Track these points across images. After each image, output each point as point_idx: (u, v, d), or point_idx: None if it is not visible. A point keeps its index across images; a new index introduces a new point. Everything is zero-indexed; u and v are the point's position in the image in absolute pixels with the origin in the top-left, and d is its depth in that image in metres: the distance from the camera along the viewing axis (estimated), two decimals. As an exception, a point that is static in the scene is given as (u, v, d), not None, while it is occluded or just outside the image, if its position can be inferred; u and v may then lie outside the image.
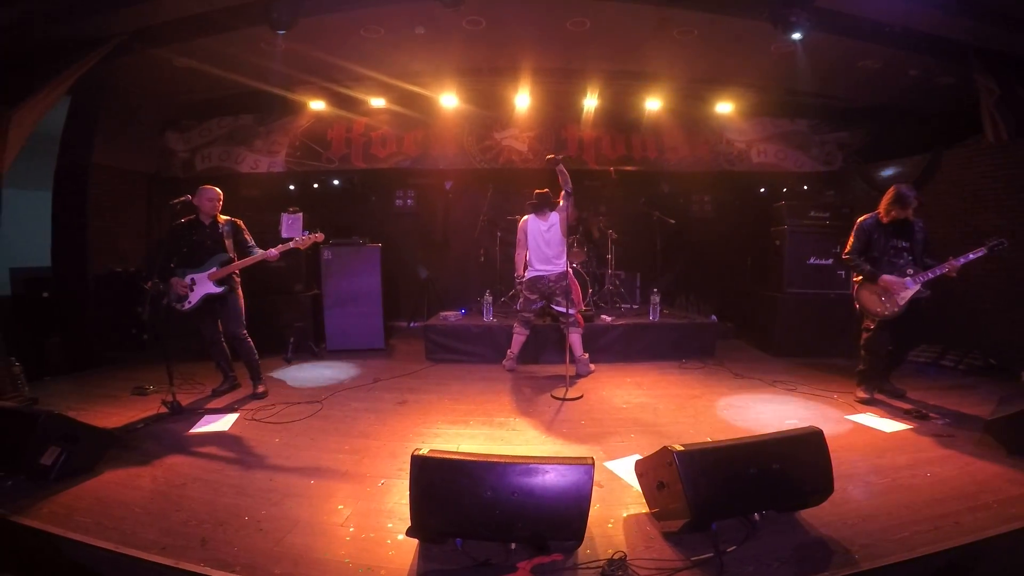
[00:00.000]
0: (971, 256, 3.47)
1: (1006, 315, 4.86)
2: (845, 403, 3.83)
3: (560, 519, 1.95)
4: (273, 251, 3.95)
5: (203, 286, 3.85)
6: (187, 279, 3.83)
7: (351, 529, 2.19)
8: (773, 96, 6.35)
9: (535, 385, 4.43)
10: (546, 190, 4.64)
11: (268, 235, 5.03)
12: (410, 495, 1.97)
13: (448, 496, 1.95)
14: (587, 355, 4.73)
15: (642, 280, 6.79)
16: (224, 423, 3.47)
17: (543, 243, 4.57)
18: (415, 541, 2.03)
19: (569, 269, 4.64)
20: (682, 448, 2.03)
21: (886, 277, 3.63)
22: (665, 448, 2.09)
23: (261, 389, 4.08)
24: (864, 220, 3.83)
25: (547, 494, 1.93)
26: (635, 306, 6.39)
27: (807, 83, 5.49)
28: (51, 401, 3.81)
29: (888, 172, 6.16)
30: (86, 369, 4.89)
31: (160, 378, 3.87)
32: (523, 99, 6.25)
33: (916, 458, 2.82)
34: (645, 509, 2.31)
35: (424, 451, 2.01)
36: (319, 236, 4.09)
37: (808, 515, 2.22)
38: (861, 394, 3.86)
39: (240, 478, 2.67)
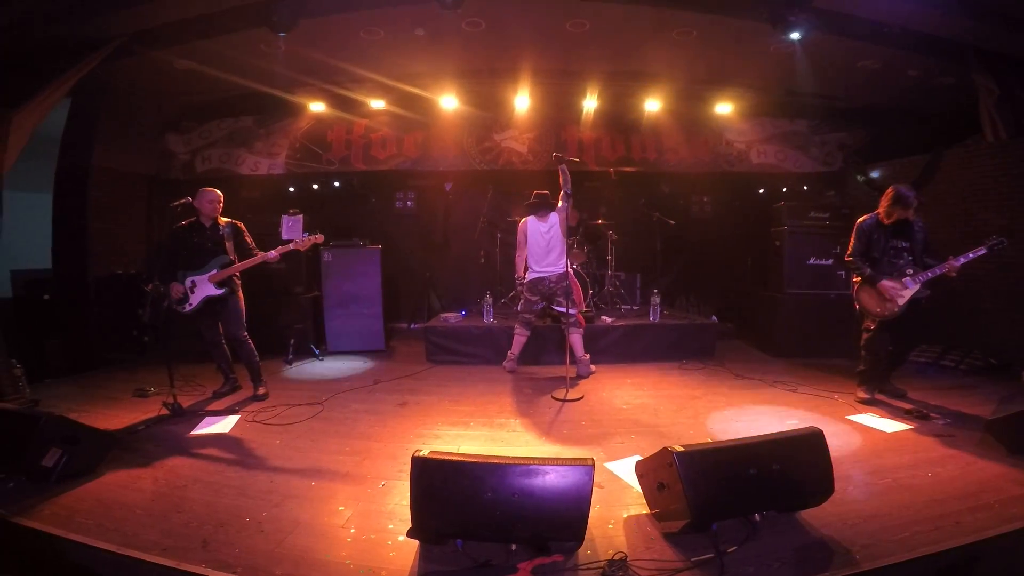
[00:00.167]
0: (971, 255, 3.47)
1: (1006, 315, 4.86)
2: (845, 403, 3.82)
3: (560, 520, 1.95)
4: (273, 253, 3.95)
5: (204, 288, 3.85)
6: (187, 282, 3.84)
7: (352, 530, 2.19)
8: (773, 97, 6.36)
9: (535, 386, 4.42)
10: (545, 191, 4.63)
11: (268, 237, 5.04)
12: (411, 496, 1.98)
13: (449, 497, 1.95)
14: (588, 356, 4.72)
15: (642, 281, 6.77)
16: (225, 425, 3.48)
17: (543, 244, 4.56)
18: (416, 542, 2.03)
19: (570, 270, 4.64)
20: (682, 449, 2.03)
21: (884, 283, 3.62)
22: (665, 449, 2.09)
23: (262, 391, 4.09)
24: (864, 221, 3.82)
25: (547, 495, 1.93)
26: (635, 307, 6.38)
27: (807, 84, 5.50)
28: (52, 403, 3.82)
29: (888, 172, 6.16)
30: (87, 371, 4.90)
31: (161, 380, 3.88)
32: (523, 100, 6.25)
33: (917, 458, 2.82)
34: (645, 510, 2.31)
35: (425, 452, 2.01)
36: (319, 238, 4.10)
37: (808, 515, 2.22)
38: (862, 394, 3.85)
39: (241, 480, 2.67)
